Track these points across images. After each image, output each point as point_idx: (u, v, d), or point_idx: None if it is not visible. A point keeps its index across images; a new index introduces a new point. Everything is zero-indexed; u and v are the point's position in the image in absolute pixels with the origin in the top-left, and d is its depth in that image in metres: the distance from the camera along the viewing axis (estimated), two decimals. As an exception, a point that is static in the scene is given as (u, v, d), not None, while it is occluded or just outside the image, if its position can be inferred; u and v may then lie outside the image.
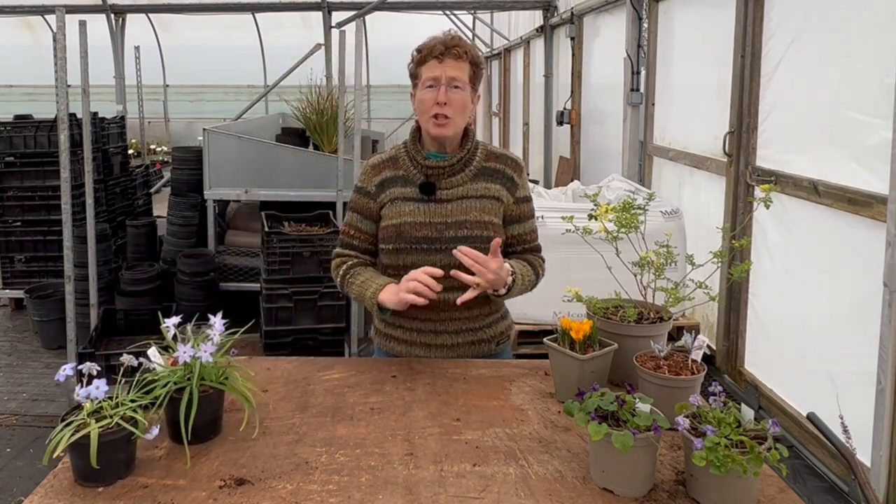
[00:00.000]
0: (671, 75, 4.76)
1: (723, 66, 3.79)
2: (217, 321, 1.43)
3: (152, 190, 7.16)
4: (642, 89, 5.21)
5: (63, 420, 1.27)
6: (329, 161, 4.81)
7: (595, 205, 1.78)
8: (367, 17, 7.42)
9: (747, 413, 1.23)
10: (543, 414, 1.54)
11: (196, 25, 12.25)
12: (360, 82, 4.26)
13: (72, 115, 4.82)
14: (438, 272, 1.71)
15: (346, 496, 1.23)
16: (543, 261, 1.97)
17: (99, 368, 1.33)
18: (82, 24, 3.96)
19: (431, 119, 1.80)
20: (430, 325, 1.87)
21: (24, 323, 5.35)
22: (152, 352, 1.41)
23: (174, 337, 1.41)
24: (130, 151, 7.82)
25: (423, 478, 1.29)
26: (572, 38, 6.80)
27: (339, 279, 1.92)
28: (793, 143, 3.25)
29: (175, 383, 1.35)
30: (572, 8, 6.73)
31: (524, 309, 3.66)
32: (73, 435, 1.22)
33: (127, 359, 1.39)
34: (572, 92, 6.88)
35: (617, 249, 1.73)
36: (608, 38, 6.03)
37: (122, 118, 6.55)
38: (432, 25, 9.61)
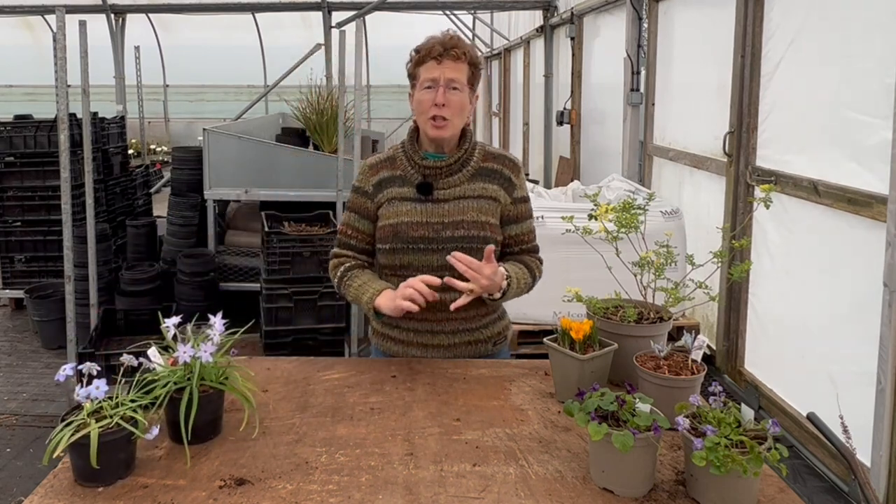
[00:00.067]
0: (671, 75, 4.76)
1: (723, 66, 3.79)
2: (217, 321, 1.43)
3: (152, 190, 7.16)
4: (642, 89, 5.21)
5: (63, 420, 1.27)
6: (329, 161, 4.82)
7: (595, 205, 1.78)
8: (367, 17, 7.42)
9: (747, 413, 1.23)
10: (543, 414, 1.54)
11: (196, 25, 12.25)
12: (360, 82, 4.26)
13: (72, 115, 4.82)
14: (436, 281, 1.71)
15: (346, 496, 1.23)
16: (541, 262, 1.97)
17: (99, 368, 1.33)
18: (82, 24, 3.96)
19: (429, 121, 1.80)
20: (427, 325, 1.87)
21: (24, 323, 5.35)
22: (152, 352, 1.41)
23: (174, 337, 1.41)
24: (130, 151, 7.83)
25: (423, 478, 1.29)
26: (572, 38, 6.80)
27: (336, 280, 1.92)
28: (793, 143, 3.25)
29: (175, 383, 1.35)
30: (572, 8, 6.73)
31: (524, 309, 3.66)
32: (73, 435, 1.22)
33: (127, 359, 1.39)
34: (572, 92, 6.88)
35: (617, 249, 1.73)
36: (608, 38, 6.03)
37: (122, 118, 6.55)
38: (432, 25, 9.60)
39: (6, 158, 5.31)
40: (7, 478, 3.30)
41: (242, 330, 1.53)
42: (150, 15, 11.41)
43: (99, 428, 1.23)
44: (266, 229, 4.29)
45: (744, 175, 3.63)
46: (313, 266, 4.17)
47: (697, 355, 1.49)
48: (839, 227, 2.86)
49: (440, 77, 1.78)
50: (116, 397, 1.31)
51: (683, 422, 1.21)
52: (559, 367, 1.59)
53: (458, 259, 1.69)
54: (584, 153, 6.80)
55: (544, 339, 1.62)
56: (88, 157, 4.00)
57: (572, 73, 6.86)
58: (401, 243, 1.83)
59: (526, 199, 1.93)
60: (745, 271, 1.63)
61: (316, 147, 5.49)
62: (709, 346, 3.87)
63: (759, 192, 1.88)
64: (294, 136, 5.85)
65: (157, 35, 13.10)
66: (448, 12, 9.79)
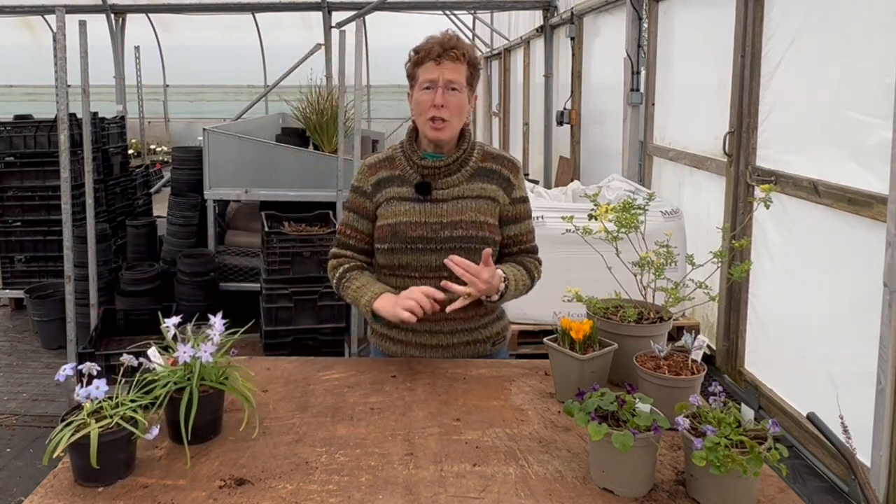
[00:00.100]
0: (671, 75, 4.76)
1: (723, 66, 3.79)
2: (217, 321, 1.43)
3: (152, 190, 7.16)
4: (642, 89, 5.21)
5: (63, 420, 1.27)
6: (329, 161, 4.82)
7: (595, 205, 1.78)
8: (367, 17, 7.42)
9: (747, 413, 1.23)
10: (543, 414, 1.54)
11: (196, 25, 12.25)
12: (360, 82, 4.26)
13: (72, 115, 4.82)
14: (439, 294, 1.71)
15: (346, 496, 1.23)
16: (540, 262, 1.97)
17: (99, 368, 1.33)
18: (82, 24, 3.96)
19: (428, 122, 1.80)
20: (426, 325, 1.87)
21: (24, 323, 5.35)
22: (152, 352, 1.41)
23: (174, 337, 1.41)
24: (130, 151, 7.82)
25: (423, 478, 1.29)
26: (572, 38, 6.80)
27: (334, 281, 1.92)
28: (793, 143, 3.25)
29: (175, 383, 1.35)
30: (572, 8, 6.73)
31: (524, 309, 3.66)
32: (73, 435, 1.22)
33: (127, 359, 1.39)
34: (572, 92, 6.88)
35: (617, 249, 1.73)
36: (608, 38, 6.03)
37: (122, 118, 6.55)
38: (432, 25, 9.59)
39: (6, 158, 5.31)
40: (7, 478, 3.30)
41: (242, 330, 1.53)
42: (150, 15, 11.41)
43: (99, 428, 1.23)
44: (266, 229, 4.29)
45: (744, 175, 3.63)
46: (313, 266, 4.17)
47: (697, 355, 1.49)
48: (839, 227, 2.86)
49: (439, 78, 1.78)
50: (116, 397, 1.31)
51: (683, 422, 1.21)
52: (559, 367, 1.59)
53: (455, 263, 1.69)
54: (584, 153, 6.80)
55: (544, 339, 1.62)
56: (88, 157, 4.00)
57: (572, 73, 6.86)
58: (399, 243, 1.83)
59: (525, 200, 1.93)
60: (745, 271, 1.63)
61: (316, 147, 5.49)
62: (709, 346, 3.87)
63: (759, 192, 1.88)
64: (294, 136, 5.85)
65: (157, 35, 13.10)
66: (448, 12, 9.79)
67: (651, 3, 4.98)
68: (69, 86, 3.85)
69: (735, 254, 3.29)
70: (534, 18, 8.36)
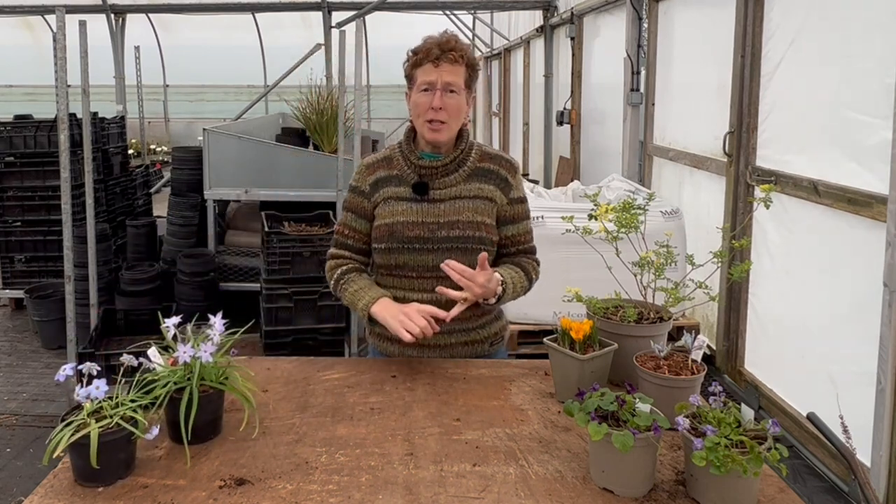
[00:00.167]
0: (671, 75, 4.76)
1: (723, 66, 3.79)
2: (217, 321, 1.43)
3: (152, 190, 7.16)
4: (642, 89, 5.21)
5: (63, 420, 1.27)
6: (329, 161, 4.82)
7: (595, 205, 1.78)
8: (367, 17, 7.42)
9: (747, 413, 1.23)
10: (543, 414, 1.54)
11: (196, 25, 12.25)
12: (360, 82, 4.26)
13: (72, 115, 4.82)
14: (441, 313, 1.71)
15: (346, 496, 1.23)
16: (538, 263, 1.97)
17: (99, 368, 1.33)
18: (82, 24, 3.96)
19: (426, 123, 1.80)
20: None
21: (24, 323, 5.35)
22: (152, 352, 1.41)
23: (174, 337, 1.41)
24: (130, 151, 7.82)
25: (423, 478, 1.29)
26: (572, 38, 6.80)
27: (332, 282, 1.93)
28: (793, 143, 3.25)
29: (175, 383, 1.35)
30: (572, 8, 6.73)
31: (524, 309, 3.66)
32: (73, 435, 1.22)
33: (127, 359, 1.39)
34: (572, 92, 6.88)
35: (617, 249, 1.73)
36: (608, 38, 6.03)
37: (122, 118, 6.55)
38: (432, 25, 9.59)
39: (6, 158, 5.31)
40: (7, 478, 3.30)
41: (242, 330, 1.53)
42: (150, 15, 11.41)
43: (99, 428, 1.23)
44: (266, 229, 4.29)
45: (744, 175, 3.63)
46: (313, 266, 4.17)
47: (697, 355, 1.49)
48: (839, 227, 2.86)
49: (437, 81, 1.77)
50: (116, 397, 1.31)
51: (683, 422, 1.21)
52: (559, 367, 1.59)
53: (451, 268, 1.69)
54: (584, 153, 6.80)
55: (544, 339, 1.62)
56: (88, 157, 4.00)
57: (572, 73, 6.87)
58: (396, 243, 1.83)
59: (523, 200, 1.93)
60: (745, 271, 1.63)
61: (316, 147, 5.49)
62: (709, 346, 3.87)
63: (759, 192, 1.88)
64: (294, 136, 5.85)
65: (157, 35, 13.10)
66: (448, 12, 9.79)
67: (651, 3, 4.98)
68: (69, 86, 3.85)
69: (735, 254, 3.29)
70: (534, 18, 8.36)
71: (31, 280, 5.29)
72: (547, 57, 7.91)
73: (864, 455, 2.49)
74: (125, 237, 5.49)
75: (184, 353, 1.35)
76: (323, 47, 8.02)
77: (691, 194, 4.37)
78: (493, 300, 1.78)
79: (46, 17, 10.90)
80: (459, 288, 1.71)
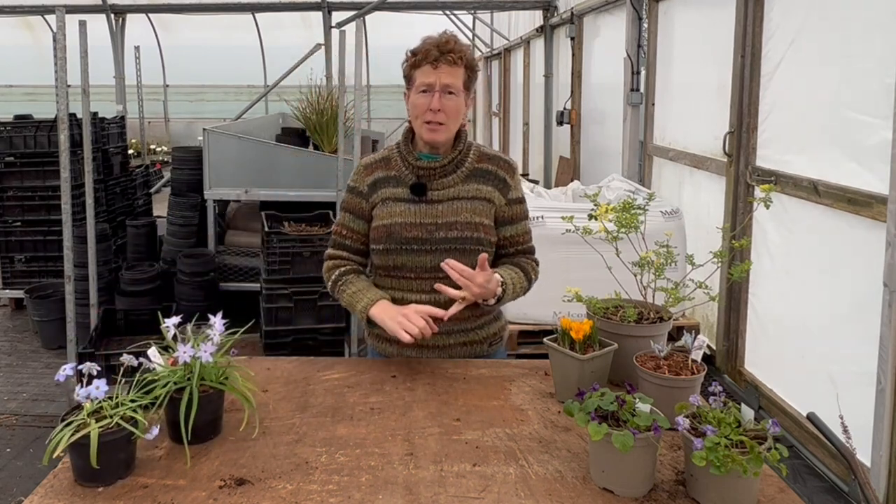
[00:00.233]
0: (671, 75, 4.76)
1: (723, 66, 3.79)
2: (217, 321, 1.43)
3: (152, 190, 7.16)
4: (642, 89, 5.21)
5: (63, 420, 1.27)
6: (329, 161, 4.82)
7: (595, 205, 1.78)
8: (367, 17, 7.42)
9: (747, 413, 1.23)
10: (543, 414, 1.54)
11: (196, 25, 12.25)
12: (360, 82, 4.26)
13: (72, 115, 4.82)
14: (439, 312, 1.72)
15: (346, 496, 1.23)
16: (537, 263, 1.97)
17: (99, 368, 1.33)
18: (82, 24, 3.96)
19: (425, 125, 1.80)
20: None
21: (24, 323, 5.35)
22: (152, 352, 1.41)
23: (174, 337, 1.41)
24: (130, 151, 7.82)
25: (423, 478, 1.29)
26: (572, 38, 6.80)
27: (329, 283, 1.92)
28: (793, 143, 3.25)
29: (175, 383, 1.35)
30: (572, 8, 6.73)
31: (524, 309, 3.66)
32: (73, 435, 1.22)
33: (127, 359, 1.39)
34: (572, 92, 6.88)
35: (617, 249, 1.73)
36: (608, 38, 6.03)
37: (122, 118, 6.55)
38: (432, 25, 9.57)
39: (6, 158, 5.31)
40: (7, 478, 3.30)
41: (242, 330, 1.53)
42: (150, 15, 11.41)
43: (99, 428, 1.23)
44: (266, 229, 4.29)
45: (744, 175, 3.63)
46: (313, 266, 4.16)
47: (697, 355, 1.49)
48: (839, 227, 2.86)
49: (436, 82, 1.77)
50: (116, 397, 1.31)
51: (683, 422, 1.21)
52: (559, 367, 1.59)
53: (450, 267, 1.69)
54: (584, 153, 6.80)
55: (544, 339, 1.62)
56: (88, 157, 4.00)
57: (572, 73, 6.87)
58: (394, 244, 1.83)
59: (521, 201, 1.93)
60: (745, 271, 1.63)
61: (316, 147, 5.49)
62: (709, 346, 3.87)
63: (759, 192, 1.88)
64: (294, 136, 5.85)
65: (157, 35, 13.10)
66: (448, 12, 9.79)
67: (651, 3, 4.98)
68: (69, 86, 3.85)
69: (735, 254, 3.28)
70: (534, 18, 8.36)
71: (31, 280, 5.29)
72: (547, 57, 7.91)
73: (864, 455, 2.49)
74: (125, 237, 5.49)
75: (184, 353, 1.35)
76: (323, 47, 8.02)
77: (691, 194, 4.37)
78: (492, 301, 1.78)
79: (46, 17, 10.91)
80: (459, 287, 1.71)
